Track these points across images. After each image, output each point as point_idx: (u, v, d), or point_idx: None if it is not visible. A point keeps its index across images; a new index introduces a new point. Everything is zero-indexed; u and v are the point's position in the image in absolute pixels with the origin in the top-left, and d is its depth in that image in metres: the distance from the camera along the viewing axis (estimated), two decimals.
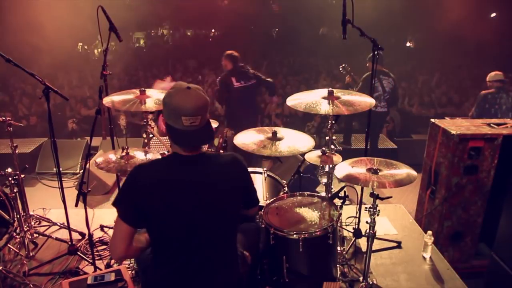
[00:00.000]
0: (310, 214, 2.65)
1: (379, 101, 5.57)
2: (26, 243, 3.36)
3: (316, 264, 2.60)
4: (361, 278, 2.98)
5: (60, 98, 2.95)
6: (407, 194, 5.09)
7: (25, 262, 3.27)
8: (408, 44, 14.72)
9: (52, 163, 5.23)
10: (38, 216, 3.89)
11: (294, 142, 3.06)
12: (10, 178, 3.33)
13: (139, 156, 2.97)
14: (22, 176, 3.46)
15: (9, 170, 3.37)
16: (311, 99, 3.01)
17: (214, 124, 3.71)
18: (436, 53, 11.45)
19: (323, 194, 3.23)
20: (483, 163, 3.55)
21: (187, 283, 1.95)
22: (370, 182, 2.52)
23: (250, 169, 3.26)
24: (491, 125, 3.68)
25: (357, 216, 3.32)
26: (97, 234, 3.71)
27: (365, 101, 3.02)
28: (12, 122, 3.43)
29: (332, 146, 3.18)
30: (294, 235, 2.44)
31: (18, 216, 3.35)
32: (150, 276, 2.03)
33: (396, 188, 2.52)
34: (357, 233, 3.23)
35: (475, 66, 10.54)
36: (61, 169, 3.12)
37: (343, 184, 2.72)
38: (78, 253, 3.29)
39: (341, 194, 2.73)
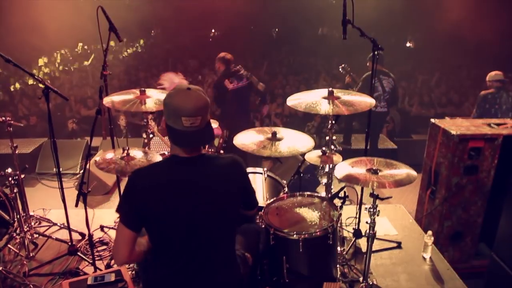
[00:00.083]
0: (310, 215, 2.65)
1: (379, 101, 5.56)
2: (26, 243, 3.36)
3: (316, 265, 2.60)
4: (361, 279, 2.98)
5: (59, 98, 2.95)
6: (407, 194, 5.10)
7: (25, 262, 3.27)
8: (408, 44, 14.72)
9: (52, 163, 5.22)
10: (38, 217, 3.89)
11: (294, 142, 3.06)
12: (10, 178, 3.33)
13: (139, 156, 2.97)
14: (22, 176, 3.46)
15: (9, 170, 3.37)
16: (311, 99, 3.01)
17: (214, 124, 3.71)
18: (436, 53, 11.45)
19: (323, 194, 3.23)
20: (483, 163, 3.55)
21: (187, 284, 1.95)
22: (370, 182, 2.52)
23: (250, 170, 3.29)
24: (491, 125, 3.68)
25: (357, 216, 3.32)
26: (97, 235, 3.71)
27: (365, 101, 3.02)
28: (12, 122, 3.43)
29: (332, 146, 3.18)
30: (294, 236, 2.44)
31: (18, 216, 3.35)
32: (151, 276, 2.03)
33: (396, 188, 2.52)
34: (357, 234, 3.23)
35: (475, 66, 10.54)
36: (61, 169, 3.12)
37: (343, 184, 2.71)
38: (78, 253, 3.28)
39: (341, 194, 2.73)
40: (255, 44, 14.11)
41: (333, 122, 3.10)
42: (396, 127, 7.66)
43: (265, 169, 3.33)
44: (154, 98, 3.16)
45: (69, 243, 3.29)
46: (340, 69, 6.02)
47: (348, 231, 3.61)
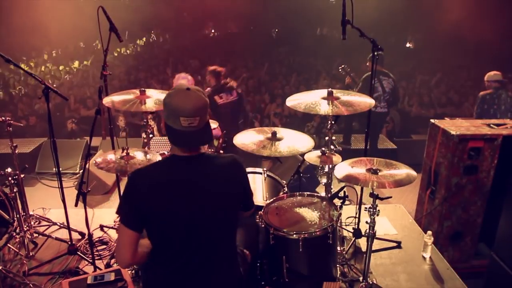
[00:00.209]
0: (310, 214, 2.65)
1: (379, 102, 5.57)
2: (26, 243, 3.36)
3: (316, 264, 2.60)
4: (361, 278, 2.98)
5: (58, 98, 2.95)
6: (407, 194, 5.10)
7: (25, 262, 3.27)
8: (408, 44, 14.72)
9: (52, 163, 5.22)
10: (38, 216, 3.89)
11: (294, 142, 3.06)
12: (10, 178, 3.34)
13: (139, 156, 2.97)
14: (22, 176, 3.47)
15: (9, 170, 3.38)
16: (310, 100, 3.01)
17: (214, 124, 3.72)
18: (436, 53, 11.45)
19: (323, 194, 3.23)
20: (483, 163, 3.55)
21: (187, 283, 1.95)
22: (370, 182, 2.52)
23: (250, 169, 3.29)
24: (491, 125, 3.68)
25: (357, 216, 3.32)
26: (97, 234, 3.71)
27: (364, 101, 3.02)
28: (12, 122, 3.43)
29: (332, 147, 3.18)
30: (294, 235, 2.45)
31: (18, 216, 3.35)
32: (150, 276, 2.03)
33: (396, 188, 2.52)
34: (357, 233, 3.23)
35: (475, 66, 10.53)
36: (61, 169, 3.12)
37: (342, 184, 2.72)
38: (78, 253, 3.29)
39: (341, 194, 2.74)
40: (255, 45, 14.11)
41: (333, 122, 3.11)
42: (396, 127, 7.66)
43: (265, 169, 3.33)
44: (154, 98, 3.16)
45: (69, 243, 3.29)
46: (340, 70, 6.02)
47: (348, 231, 3.62)
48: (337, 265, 2.89)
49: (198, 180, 1.91)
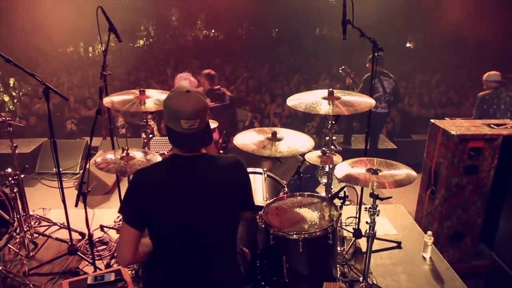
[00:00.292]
0: (310, 214, 2.65)
1: (380, 102, 5.56)
2: (26, 243, 3.36)
3: (316, 264, 2.60)
4: (361, 278, 2.98)
5: (57, 98, 2.96)
6: (407, 194, 5.10)
7: (25, 262, 3.27)
8: (408, 44, 14.72)
9: (52, 163, 5.23)
10: (38, 216, 3.89)
11: (294, 142, 3.06)
12: (10, 178, 3.34)
13: (139, 156, 2.97)
14: (22, 176, 3.47)
15: (9, 170, 3.38)
16: (311, 100, 3.01)
17: (214, 124, 3.71)
18: (436, 54, 11.45)
19: (323, 194, 3.23)
20: (483, 163, 3.55)
21: (187, 283, 1.96)
22: (370, 183, 2.52)
23: (250, 170, 3.29)
24: (491, 125, 3.68)
25: (357, 216, 3.32)
26: (97, 234, 3.71)
27: (365, 101, 3.02)
28: (12, 122, 3.43)
29: (332, 147, 3.18)
30: (294, 235, 2.44)
31: (18, 216, 3.35)
32: (151, 275, 2.04)
33: (396, 188, 2.52)
34: (357, 233, 3.23)
35: (475, 67, 10.53)
36: (61, 169, 3.12)
37: (343, 184, 2.72)
38: (78, 253, 3.29)
39: (341, 194, 2.73)
40: (255, 45, 14.11)
41: (333, 122, 3.10)
42: (396, 127, 7.66)
43: (265, 169, 3.33)
44: (154, 98, 3.16)
45: (69, 243, 3.29)
46: (340, 71, 6.02)
47: (348, 231, 3.61)
48: (337, 266, 2.89)
49: (199, 180, 1.91)
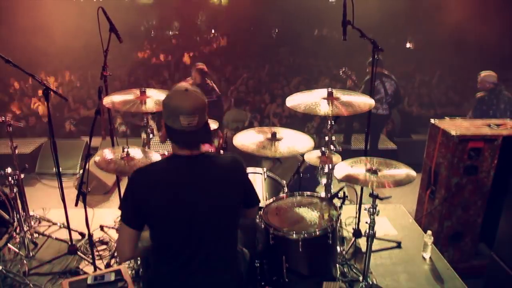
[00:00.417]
0: (310, 214, 2.65)
1: (381, 104, 5.56)
2: (26, 243, 3.36)
3: (316, 264, 2.60)
4: (361, 278, 2.98)
5: (56, 98, 2.96)
6: (407, 194, 5.09)
7: (25, 262, 3.27)
8: (408, 45, 14.72)
9: (51, 163, 5.21)
10: (38, 216, 3.89)
11: (294, 142, 3.06)
12: (10, 178, 3.34)
13: (139, 156, 2.97)
14: (22, 176, 3.47)
15: (9, 170, 3.38)
16: (310, 100, 3.01)
17: (214, 124, 3.72)
18: (436, 54, 11.45)
19: (323, 194, 3.23)
20: (483, 163, 3.55)
21: (187, 281, 1.96)
22: (370, 182, 2.52)
23: (250, 170, 3.29)
24: (491, 125, 3.68)
25: (357, 216, 3.32)
26: (97, 234, 3.71)
27: (364, 102, 3.02)
28: (11, 122, 3.43)
29: (332, 147, 3.18)
30: (294, 235, 2.45)
31: (18, 216, 3.35)
32: (152, 274, 2.04)
33: (396, 188, 2.53)
34: (357, 233, 3.24)
35: (475, 67, 10.52)
36: (60, 169, 3.12)
37: (342, 184, 2.72)
38: (78, 253, 3.29)
39: (341, 194, 2.74)
40: (255, 45, 14.11)
41: (333, 122, 3.10)
42: (396, 127, 7.66)
43: (265, 169, 3.33)
44: (154, 98, 3.16)
45: (69, 243, 3.29)
46: (341, 73, 6.01)
47: (348, 231, 3.62)
48: (337, 265, 2.89)
49: (199, 179, 1.92)
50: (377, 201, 2.64)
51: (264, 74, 10.77)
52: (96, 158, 2.96)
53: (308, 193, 2.90)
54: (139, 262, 3.04)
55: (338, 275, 2.82)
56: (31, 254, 3.37)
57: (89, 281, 2.37)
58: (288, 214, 2.67)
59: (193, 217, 1.90)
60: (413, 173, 2.62)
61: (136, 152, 2.99)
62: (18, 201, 3.42)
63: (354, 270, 3.19)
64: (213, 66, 11.09)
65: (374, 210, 2.66)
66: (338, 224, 2.77)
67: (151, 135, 3.41)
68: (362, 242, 3.41)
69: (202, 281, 1.97)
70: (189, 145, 1.92)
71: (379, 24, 9.68)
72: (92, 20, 3.06)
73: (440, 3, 10.97)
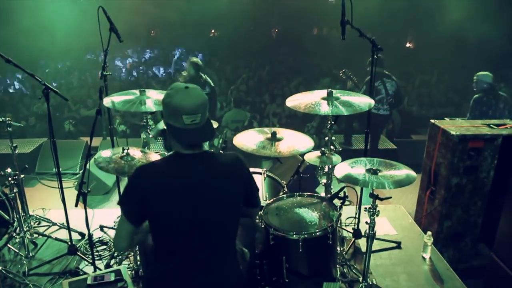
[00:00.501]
0: (310, 215, 2.65)
1: (382, 104, 5.55)
2: (26, 243, 3.36)
3: (316, 265, 2.60)
4: (360, 279, 2.98)
5: (57, 98, 2.96)
6: (406, 194, 5.09)
7: (25, 262, 3.27)
8: (408, 44, 14.71)
9: (51, 163, 5.22)
10: (37, 216, 3.89)
11: (294, 142, 3.06)
12: (10, 178, 3.34)
13: (139, 156, 2.97)
14: (22, 176, 3.47)
15: (9, 170, 3.38)
16: (310, 100, 3.01)
17: (214, 124, 3.71)
18: (436, 54, 11.45)
19: (323, 194, 3.23)
20: (483, 163, 3.55)
21: (187, 279, 1.96)
22: (370, 183, 2.52)
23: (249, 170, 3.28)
24: (491, 125, 3.68)
25: (357, 216, 3.32)
26: (97, 234, 3.71)
27: (364, 101, 3.02)
28: (11, 122, 3.43)
29: (332, 147, 3.18)
30: (294, 236, 2.45)
31: (18, 216, 3.35)
32: (152, 272, 2.04)
33: (396, 188, 2.52)
34: (357, 234, 3.24)
35: (475, 67, 10.53)
36: (60, 169, 3.12)
37: (342, 184, 2.72)
38: (78, 253, 3.29)
39: (341, 194, 2.74)
40: (255, 45, 14.11)
41: (333, 122, 3.10)
42: (396, 127, 7.66)
43: (265, 169, 3.33)
44: (154, 98, 3.16)
45: (69, 243, 3.29)
46: (341, 75, 6.01)
47: (347, 231, 3.61)
48: (337, 266, 2.90)
49: (202, 177, 1.92)
50: (377, 201, 2.64)
51: (264, 73, 10.77)
52: (97, 159, 2.95)
53: (308, 193, 2.90)
54: (139, 262, 3.04)
55: (338, 276, 2.82)
56: (31, 254, 3.37)
57: (89, 281, 2.38)
58: (288, 214, 2.67)
59: (194, 215, 1.90)
60: (413, 173, 2.62)
61: (136, 152, 2.99)
62: (18, 201, 3.42)
63: (354, 271, 3.19)
64: (213, 66, 11.09)
65: (374, 210, 2.66)
66: (338, 225, 2.78)
67: (151, 135, 3.40)
68: (362, 243, 3.41)
69: (202, 280, 1.97)
70: (192, 143, 1.92)
71: (379, 24, 9.68)
72: (95, 21, 3.08)
73: (440, 3, 10.97)
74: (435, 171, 3.82)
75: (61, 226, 3.76)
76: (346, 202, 2.80)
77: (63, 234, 3.60)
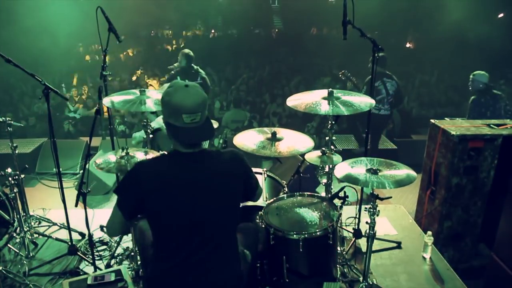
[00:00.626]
0: (310, 215, 2.65)
1: (383, 104, 5.55)
2: (26, 243, 3.36)
3: (316, 265, 2.60)
4: (361, 279, 2.98)
5: (57, 98, 2.95)
6: (407, 194, 5.09)
7: (25, 262, 3.27)
8: (408, 44, 14.72)
9: (52, 163, 5.22)
10: (38, 216, 3.89)
11: (294, 142, 3.06)
12: (10, 178, 3.34)
13: (139, 156, 2.97)
14: (22, 176, 3.47)
15: (9, 170, 3.38)
16: (311, 100, 3.00)
17: (214, 124, 3.71)
18: (436, 53, 11.46)
19: (323, 194, 3.23)
20: (483, 163, 3.55)
21: (187, 278, 1.96)
22: (370, 183, 2.52)
23: None
24: (491, 125, 3.68)
25: (357, 216, 3.32)
26: (97, 235, 3.71)
27: (364, 101, 3.01)
28: (12, 122, 3.43)
29: (332, 147, 3.18)
30: (294, 236, 2.45)
31: (18, 216, 3.35)
32: (151, 271, 2.04)
33: (396, 188, 2.52)
34: (357, 234, 3.24)
35: (475, 67, 10.52)
36: (61, 169, 3.12)
37: (343, 184, 2.72)
38: (78, 253, 3.29)
39: (341, 194, 2.73)
40: (255, 44, 14.11)
41: (333, 122, 3.10)
42: (396, 127, 7.65)
43: (265, 169, 3.33)
44: (154, 98, 3.16)
45: (69, 243, 3.29)
46: (340, 76, 6.00)
47: (348, 231, 3.61)
48: (337, 266, 2.89)
49: (200, 176, 1.92)
50: (377, 201, 2.64)
51: (265, 73, 10.77)
52: (97, 159, 2.95)
53: (309, 193, 2.90)
54: (139, 262, 3.04)
55: (338, 276, 2.81)
56: (31, 255, 3.37)
57: (89, 282, 2.38)
58: (288, 214, 2.67)
59: (194, 214, 1.90)
60: (413, 173, 2.62)
61: (136, 152, 2.99)
62: (18, 202, 3.42)
63: (354, 271, 3.19)
64: (215, 66, 11.09)
65: (374, 210, 2.66)
66: (338, 225, 2.78)
67: (151, 135, 3.40)
68: (362, 243, 3.41)
69: (201, 278, 1.97)
70: (193, 141, 1.91)
71: (379, 24, 9.69)
72: (94, 21, 3.08)
73: (440, 3, 10.98)
74: (435, 171, 3.82)
75: (61, 226, 3.76)
76: (346, 202, 2.79)
77: (63, 234, 3.60)
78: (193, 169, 1.92)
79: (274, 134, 3.09)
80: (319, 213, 2.66)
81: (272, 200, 2.83)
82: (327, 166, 3.21)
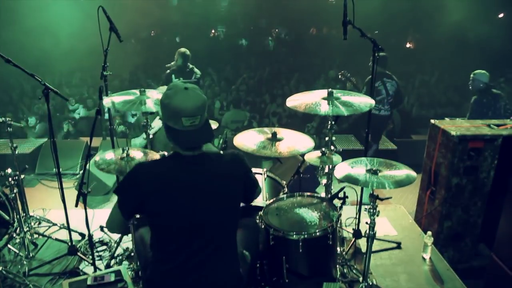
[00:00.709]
0: (310, 215, 2.65)
1: (383, 105, 5.55)
2: (26, 243, 3.36)
3: (316, 265, 2.60)
4: (360, 279, 2.98)
5: (57, 99, 2.95)
6: (407, 194, 5.10)
7: (25, 262, 3.27)
8: (408, 45, 14.73)
9: (51, 164, 5.22)
10: (38, 217, 3.89)
11: (294, 142, 3.06)
12: (10, 179, 3.34)
13: (139, 156, 2.97)
14: (22, 176, 3.46)
15: (9, 170, 3.38)
16: (311, 100, 3.00)
17: (214, 125, 3.71)
18: (436, 54, 11.47)
19: (323, 194, 3.23)
20: (483, 164, 3.55)
21: (187, 280, 1.96)
22: (370, 183, 2.52)
23: None
24: (491, 126, 3.68)
25: (357, 216, 3.32)
26: (97, 235, 3.70)
27: (364, 102, 3.01)
28: (12, 122, 3.43)
29: (332, 147, 3.18)
30: (294, 236, 2.45)
31: (18, 216, 3.35)
32: (151, 273, 2.04)
33: (396, 188, 2.52)
34: (357, 234, 3.24)
35: (475, 67, 10.52)
36: (61, 169, 3.12)
37: (342, 184, 2.71)
38: (78, 253, 3.29)
39: (341, 194, 2.73)
40: (255, 44, 14.12)
41: (333, 122, 3.10)
42: (396, 127, 7.65)
43: (265, 169, 3.33)
44: (154, 98, 3.16)
45: (69, 243, 3.29)
46: (340, 76, 6.00)
47: (348, 232, 3.61)
48: (337, 266, 2.89)
49: (200, 178, 1.92)
50: (377, 201, 2.64)
51: (265, 73, 10.77)
52: (97, 159, 2.95)
53: (308, 193, 2.90)
54: (139, 263, 3.04)
55: (338, 276, 2.82)
56: (31, 255, 3.36)
57: (89, 282, 2.38)
58: (288, 214, 2.67)
59: (194, 216, 1.90)
60: (413, 173, 2.62)
61: (136, 153, 2.99)
62: (18, 202, 3.42)
63: (354, 271, 3.18)
64: (213, 66, 11.09)
65: (374, 210, 2.66)
66: (338, 225, 2.78)
67: (151, 135, 3.40)
68: (362, 243, 3.41)
69: (201, 281, 1.97)
70: (192, 145, 1.91)
71: (380, 24, 9.69)
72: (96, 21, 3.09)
73: (440, 3, 10.97)
74: (435, 171, 3.82)
75: (61, 226, 3.76)
76: (346, 202, 2.79)
77: (63, 235, 3.59)
78: (193, 172, 1.92)
79: (274, 134, 3.09)
80: (319, 214, 2.66)
81: (272, 200, 2.83)
82: (327, 167, 3.21)
